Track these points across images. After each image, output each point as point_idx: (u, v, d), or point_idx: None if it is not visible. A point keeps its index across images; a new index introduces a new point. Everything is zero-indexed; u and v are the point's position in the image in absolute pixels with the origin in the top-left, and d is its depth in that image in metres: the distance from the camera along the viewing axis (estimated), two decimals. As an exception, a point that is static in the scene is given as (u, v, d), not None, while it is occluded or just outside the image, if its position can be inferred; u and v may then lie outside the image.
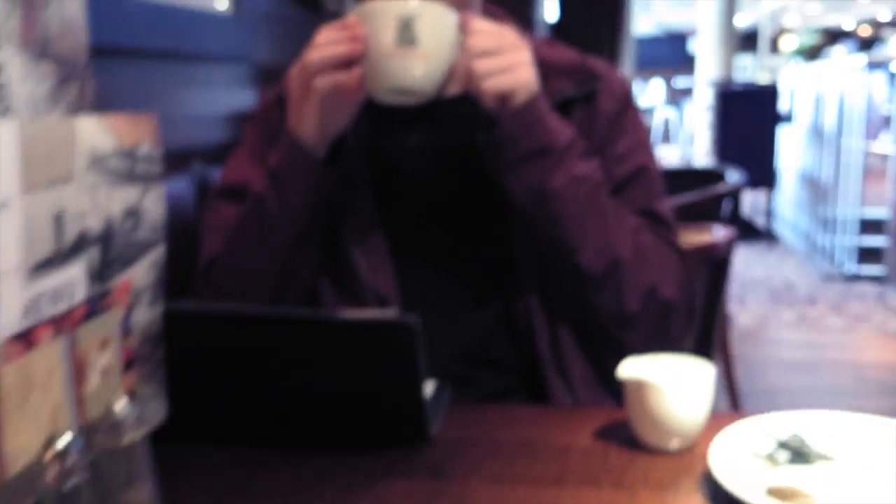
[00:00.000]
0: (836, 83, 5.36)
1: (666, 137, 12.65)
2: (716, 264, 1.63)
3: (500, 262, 0.98)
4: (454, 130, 0.97)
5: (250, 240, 0.94)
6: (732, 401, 2.73)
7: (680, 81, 14.65)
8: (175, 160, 1.60)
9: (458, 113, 0.95)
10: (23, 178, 0.45)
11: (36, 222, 0.47)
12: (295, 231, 0.93)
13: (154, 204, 0.60)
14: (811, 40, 14.53)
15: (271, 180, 0.92)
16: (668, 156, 11.38)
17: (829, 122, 5.44)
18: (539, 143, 0.88)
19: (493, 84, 0.86)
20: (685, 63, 13.54)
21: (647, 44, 16.38)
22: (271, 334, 0.62)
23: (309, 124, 0.89)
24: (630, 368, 0.71)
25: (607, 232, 0.91)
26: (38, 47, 0.50)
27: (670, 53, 16.46)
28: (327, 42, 0.85)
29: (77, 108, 0.55)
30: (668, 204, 1.01)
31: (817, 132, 5.76)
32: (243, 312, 0.63)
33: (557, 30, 3.53)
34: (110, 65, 1.49)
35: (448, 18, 0.85)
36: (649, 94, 16.43)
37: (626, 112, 1.01)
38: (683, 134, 11.30)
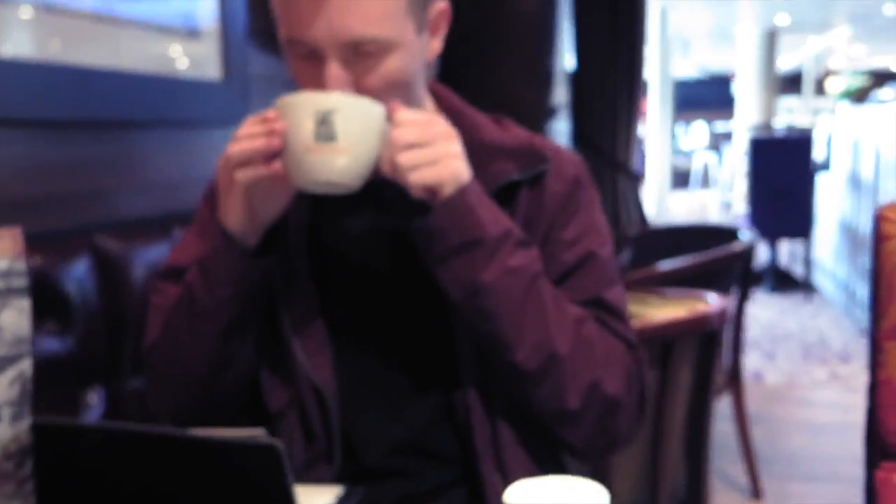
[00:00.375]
0: (872, 129, 5.23)
1: (705, 182, 12.50)
2: (707, 337, 1.57)
3: (440, 352, 0.95)
4: (398, 213, 0.95)
5: (182, 328, 0.93)
6: (749, 469, 2.63)
7: (722, 125, 14.51)
8: (160, 226, 1.61)
9: (402, 194, 0.93)
10: None
11: None
12: (227, 320, 0.91)
13: (15, 319, 0.58)
14: (858, 82, 14.30)
15: (200, 271, 0.90)
16: (706, 201, 11.23)
17: (867, 168, 5.31)
18: (468, 235, 0.85)
19: (418, 177, 0.83)
20: (729, 106, 13.43)
21: (690, 86, 16.31)
22: (139, 452, 0.60)
23: (236, 215, 0.88)
24: (517, 493, 0.67)
25: (545, 326, 0.87)
26: None
27: (713, 96, 16.36)
28: (246, 135, 0.84)
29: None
30: (620, 292, 0.97)
31: (855, 179, 5.62)
32: (110, 428, 0.61)
33: (576, 78, 3.52)
34: (96, 136, 1.52)
35: (370, 111, 0.83)
36: (691, 137, 16.30)
37: (577, 195, 0.97)
38: (723, 179, 11.15)
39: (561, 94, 3.36)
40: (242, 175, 0.84)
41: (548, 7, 2.61)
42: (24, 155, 1.37)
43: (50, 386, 1.24)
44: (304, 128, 0.80)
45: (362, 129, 0.82)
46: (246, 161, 0.83)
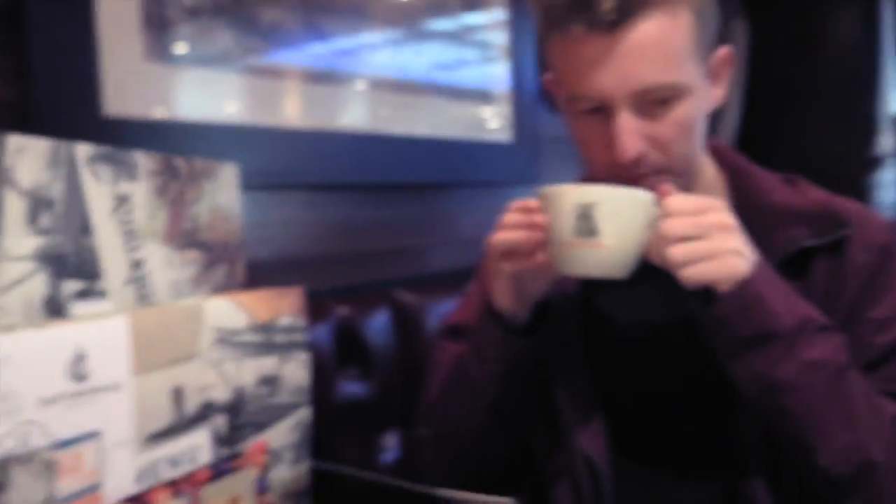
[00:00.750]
0: None
1: None
2: None
3: (722, 436, 0.86)
4: (677, 290, 0.87)
5: (454, 395, 0.94)
6: None
7: None
8: (455, 281, 1.70)
9: None
10: (134, 363, 0.51)
11: (151, 398, 0.53)
12: (494, 396, 0.91)
13: (295, 370, 0.64)
14: None
15: (471, 346, 0.92)
16: None
17: None
18: (758, 328, 0.76)
19: (692, 273, 0.75)
20: None
21: None
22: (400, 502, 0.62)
23: (503, 297, 0.87)
24: None
25: (856, 427, 0.75)
26: (184, 239, 0.58)
27: None
28: (510, 225, 0.83)
29: (225, 287, 0.61)
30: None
31: None
32: (374, 479, 0.64)
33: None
34: (400, 197, 1.66)
35: (635, 202, 0.77)
36: None
37: (888, 266, 0.84)
38: None
39: (887, 142, 2.98)
40: (506, 265, 0.84)
41: (867, 45, 2.34)
42: (339, 216, 1.54)
43: (350, 428, 1.35)
44: (564, 222, 0.76)
45: (626, 223, 0.76)
46: (509, 251, 0.83)
